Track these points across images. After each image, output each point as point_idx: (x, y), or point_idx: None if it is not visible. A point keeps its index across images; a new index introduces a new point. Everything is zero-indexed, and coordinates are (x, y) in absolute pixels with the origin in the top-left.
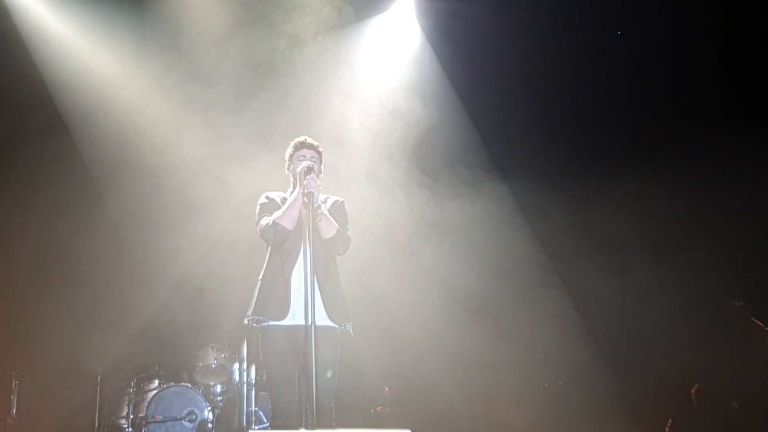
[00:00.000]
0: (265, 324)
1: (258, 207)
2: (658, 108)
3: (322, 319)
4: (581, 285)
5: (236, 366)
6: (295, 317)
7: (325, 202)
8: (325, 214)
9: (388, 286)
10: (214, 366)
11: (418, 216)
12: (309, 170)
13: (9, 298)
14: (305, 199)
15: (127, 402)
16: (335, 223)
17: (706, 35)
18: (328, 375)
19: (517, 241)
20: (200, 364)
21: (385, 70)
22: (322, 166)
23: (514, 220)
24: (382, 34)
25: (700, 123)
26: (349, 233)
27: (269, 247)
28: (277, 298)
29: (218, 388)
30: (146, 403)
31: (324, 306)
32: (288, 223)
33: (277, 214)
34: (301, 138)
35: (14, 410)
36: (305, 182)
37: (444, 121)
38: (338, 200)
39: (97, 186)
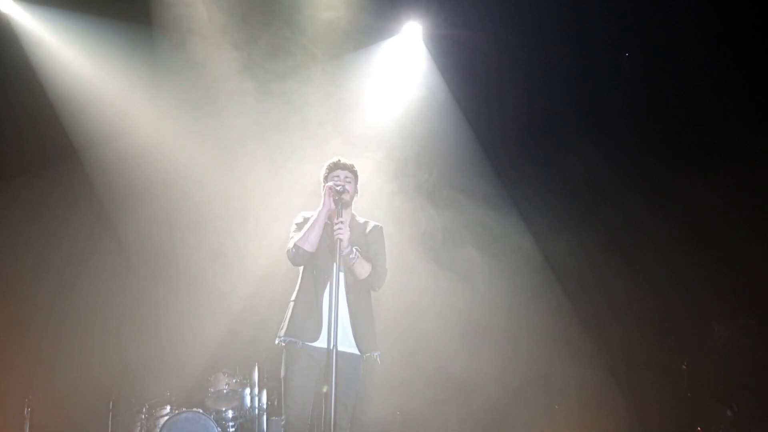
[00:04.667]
0: (296, 343)
1: (292, 226)
2: (664, 122)
3: (349, 346)
4: (592, 304)
5: (247, 391)
6: (324, 340)
7: (365, 226)
8: (357, 258)
9: (400, 310)
10: (225, 391)
11: (425, 241)
12: (338, 194)
13: (22, 325)
14: (337, 239)
15: (139, 428)
16: (367, 263)
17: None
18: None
19: (526, 263)
20: (211, 390)
21: (393, 93)
22: (358, 186)
23: (524, 245)
24: (391, 58)
25: (702, 139)
26: (385, 265)
27: (302, 268)
28: (310, 321)
29: (230, 414)
30: (158, 429)
31: (354, 334)
32: (308, 246)
33: (298, 235)
34: (335, 159)
35: None
36: (335, 229)
37: (452, 144)
38: (377, 226)
39: (108, 213)
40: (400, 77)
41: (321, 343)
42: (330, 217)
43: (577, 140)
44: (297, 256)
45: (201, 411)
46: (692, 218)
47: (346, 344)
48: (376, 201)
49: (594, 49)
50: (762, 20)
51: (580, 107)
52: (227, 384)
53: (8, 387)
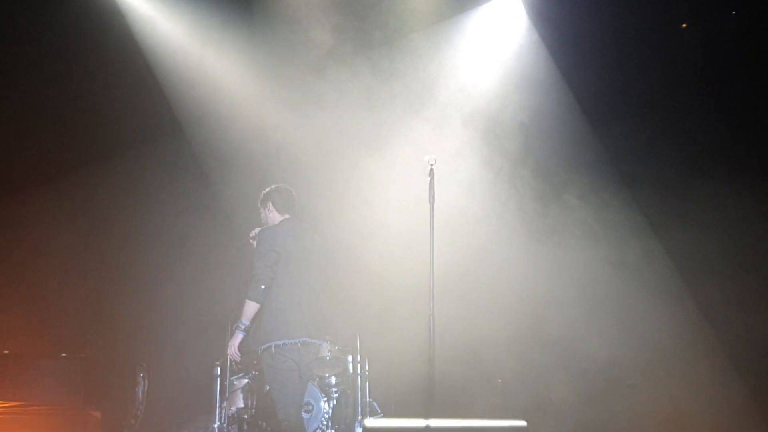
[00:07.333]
0: None
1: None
2: None
3: None
4: (715, 301)
5: (350, 358)
6: None
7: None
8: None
9: (498, 280)
10: (328, 358)
11: (527, 217)
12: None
13: (135, 294)
14: None
15: (247, 393)
16: (246, 310)
17: None
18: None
19: (639, 252)
20: (314, 357)
21: (491, 61)
22: (264, 211)
23: (635, 229)
24: (488, 25)
25: None
26: (251, 273)
27: None
28: None
29: (333, 380)
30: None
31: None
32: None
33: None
34: None
35: (140, 403)
36: None
37: (556, 120)
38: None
39: (211, 185)
40: (498, 46)
41: None
42: None
43: (700, 115)
44: None
45: None
46: None
47: None
48: (472, 179)
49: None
50: None
51: (701, 76)
52: (330, 351)
53: (125, 352)
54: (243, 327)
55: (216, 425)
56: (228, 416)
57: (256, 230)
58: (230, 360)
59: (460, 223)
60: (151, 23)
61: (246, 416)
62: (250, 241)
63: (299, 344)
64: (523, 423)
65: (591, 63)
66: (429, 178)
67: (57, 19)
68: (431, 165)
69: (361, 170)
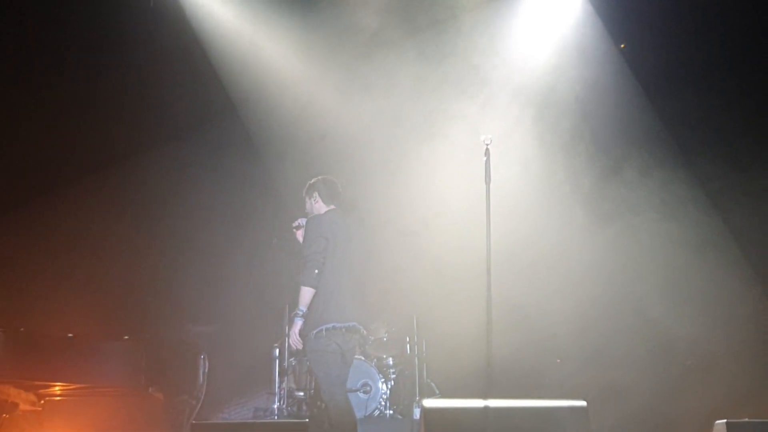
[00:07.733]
0: None
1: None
2: None
3: None
4: None
5: (407, 339)
6: None
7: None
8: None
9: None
10: (385, 339)
11: (584, 193)
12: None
13: (194, 277)
14: None
15: (305, 374)
16: (302, 296)
17: None
18: None
19: (703, 228)
20: (372, 338)
21: (545, 35)
22: (310, 201)
23: (700, 204)
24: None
25: None
26: (303, 260)
27: None
28: None
29: (390, 361)
30: None
31: None
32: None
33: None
34: None
35: (202, 384)
36: None
37: (609, 88)
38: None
39: (266, 167)
40: (552, 20)
41: None
42: None
43: (762, 87)
44: None
45: (363, 358)
46: None
47: None
48: (528, 157)
49: None
50: None
51: (763, 47)
52: (387, 332)
53: (186, 334)
54: (301, 314)
55: (275, 405)
56: (287, 396)
57: (300, 220)
58: (292, 346)
59: (517, 203)
60: (204, 5)
61: (304, 396)
62: (293, 230)
63: (344, 329)
64: (583, 403)
65: (648, 34)
66: (485, 158)
67: (110, 4)
68: (487, 145)
69: (415, 153)
